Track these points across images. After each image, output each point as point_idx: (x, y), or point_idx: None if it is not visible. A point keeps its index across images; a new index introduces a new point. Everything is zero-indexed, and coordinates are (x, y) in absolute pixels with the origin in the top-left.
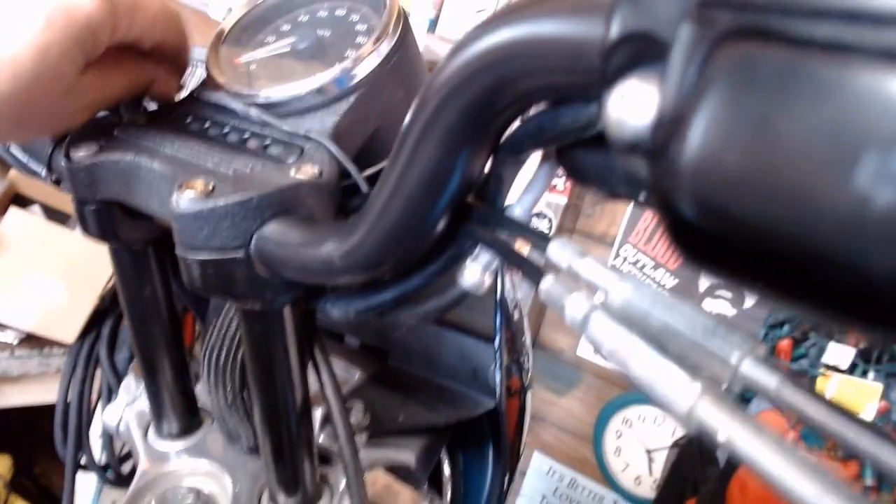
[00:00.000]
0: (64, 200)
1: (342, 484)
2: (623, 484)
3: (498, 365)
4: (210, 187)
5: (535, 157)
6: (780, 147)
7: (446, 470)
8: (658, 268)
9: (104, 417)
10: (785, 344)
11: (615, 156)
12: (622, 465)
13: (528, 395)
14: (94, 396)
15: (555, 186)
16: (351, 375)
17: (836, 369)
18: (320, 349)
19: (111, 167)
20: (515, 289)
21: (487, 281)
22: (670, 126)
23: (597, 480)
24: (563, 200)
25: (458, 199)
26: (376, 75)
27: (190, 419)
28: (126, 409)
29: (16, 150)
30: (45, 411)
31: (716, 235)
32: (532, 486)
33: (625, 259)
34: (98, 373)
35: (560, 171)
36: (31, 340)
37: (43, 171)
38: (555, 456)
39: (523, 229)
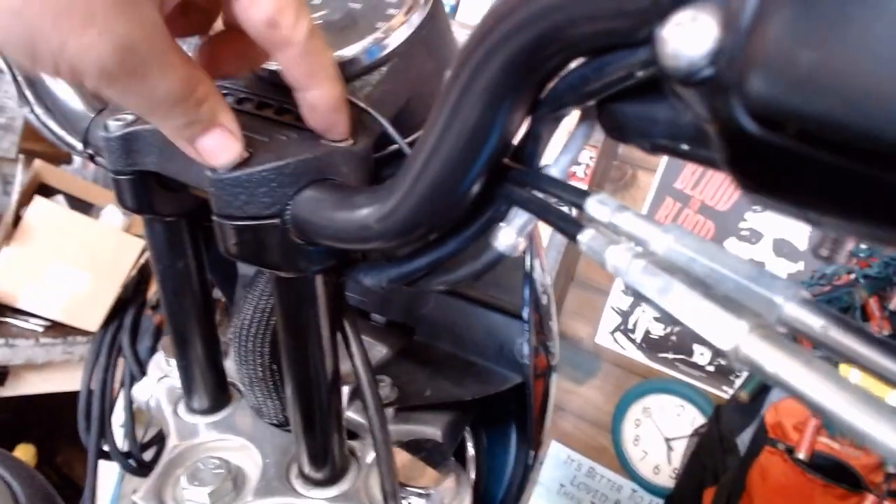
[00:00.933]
0: (88, 190)
1: (370, 457)
2: (641, 473)
3: (526, 337)
4: (247, 154)
5: (572, 119)
6: (855, 38)
7: (470, 448)
8: None
9: (134, 394)
10: None
11: (661, 103)
12: (641, 454)
13: (554, 379)
14: (117, 385)
15: (574, 173)
16: (377, 352)
17: None
18: (350, 321)
19: (147, 137)
20: (545, 273)
21: (522, 244)
22: (736, 39)
23: (615, 469)
24: (583, 188)
25: (496, 159)
26: (407, 46)
27: (219, 395)
28: (156, 385)
29: (52, 124)
30: (68, 401)
31: (783, 149)
32: (550, 475)
33: None
34: (121, 361)
35: (596, 131)
36: (56, 329)
37: (79, 145)
38: (573, 445)
39: (561, 186)
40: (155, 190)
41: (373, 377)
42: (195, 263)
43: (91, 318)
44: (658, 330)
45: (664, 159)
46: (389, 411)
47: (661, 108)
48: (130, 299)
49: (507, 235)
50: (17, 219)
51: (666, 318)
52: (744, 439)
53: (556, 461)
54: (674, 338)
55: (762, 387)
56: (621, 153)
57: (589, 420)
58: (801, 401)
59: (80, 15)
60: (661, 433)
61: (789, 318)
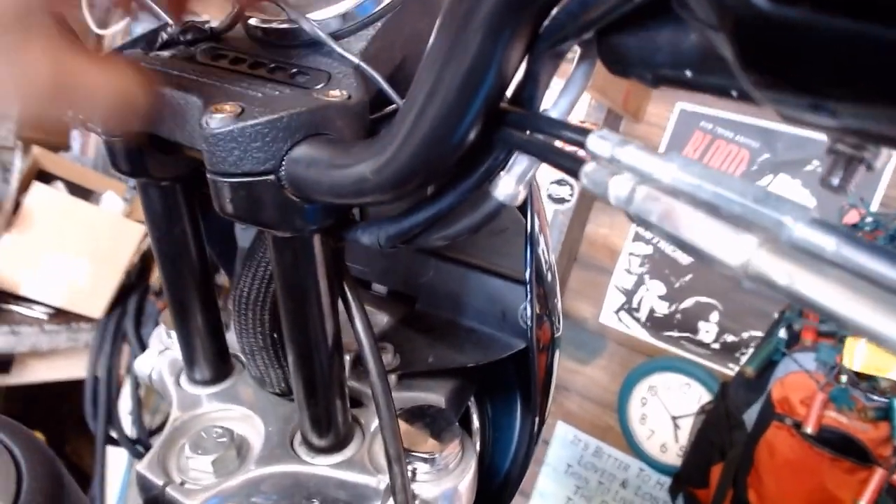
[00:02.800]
0: (87, 176)
1: (374, 425)
2: (648, 451)
3: (529, 299)
4: (239, 109)
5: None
6: None
7: (475, 419)
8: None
9: (136, 367)
10: None
11: (662, 28)
12: (647, 432)
13: (557, 355)
14: (123, 371)
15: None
16: (379, 320)
17: None
18: (350, 286)
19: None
20: (549, 251)
21: (522, 193)
22: None
23: (621, 448)
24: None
25: (494, 101)
26: (402, 2)
27: (221, 365)
28: (158, 357)
29: None
30: (75, 390)
31: (797, 25)
32: (557, 455)
33: None
34: (126, 348)
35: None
36: (60, 316)
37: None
38: (579, 425)
39: (561, 126)
40: (149, 152)
41: (375, 343)
42: (192, 230)
43: (94, 304)
44: (663, 308)
45: (667, 136)
46: (392, 378)
47: (662, 34)
48: (133, 285)
49: (507, 184)
50: (16, 206)
51: (673, 242)
52: (750, 415)
53: (563, 441)
54: (679, 316)
55: (768, 362)
56: (624, 132)
57: (594, 400)
58: (818, 311)
59: None
60: (668, 411)
61: (800, 239)
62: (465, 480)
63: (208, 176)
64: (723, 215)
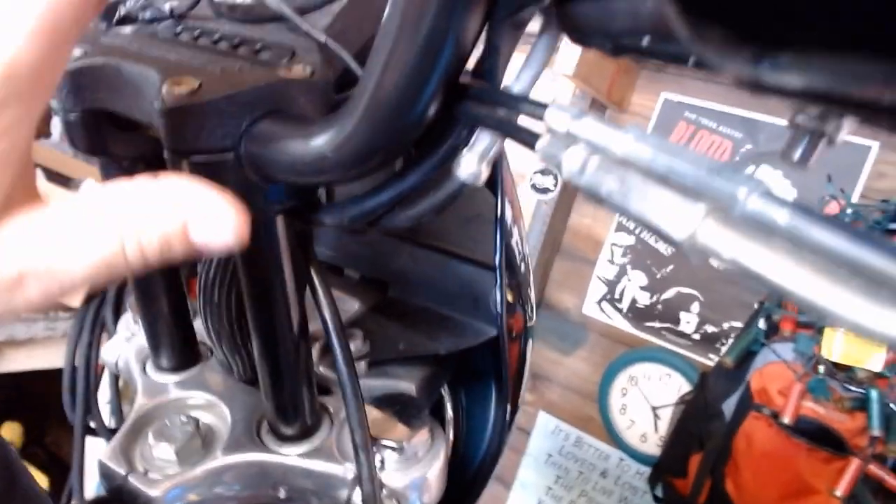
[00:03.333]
0: (66, 164)
1: (342, 413)
2: (629, 441)
3: (499, 286)
4: (197, 84)
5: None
6: None
7: (449, 408)
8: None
9: (103, 354)
10: None
11: None
12: (628, 422)
13: (530, 344)
14: (101, 361)
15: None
16: (350, 306)
17: None
18: (316, 270)
19: (96, 72)
20: (524, 241)
21: (485, 171)
22: None
23: (602, 439)
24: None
25: (453, 73)
26: None
27: (188, 353)
28: (125, 344)
29: None
30: (54, 379)
31: None
32: (538, 446)
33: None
34: (104, 337)
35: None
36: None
37: None
38: (560, 415)
39: (521, 100)
40: (108, 130)
41: (342, 328)
42: None
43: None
44: (644, 299)
45: (651, 126)
46: (362, 365)
47: (620, 1)
48: None
49: (470, 162)
50: None
51: (623, 214)
52: (729, 406)
53: (544, 431)
54: (660, 307)
55: (747, 352)
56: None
57: (576, 390)
58: (762, 284)
59: None
60: (648, 402)
61: (753, 212)
62: (434, 469)
63: (165, 154)
64: (675, 187)
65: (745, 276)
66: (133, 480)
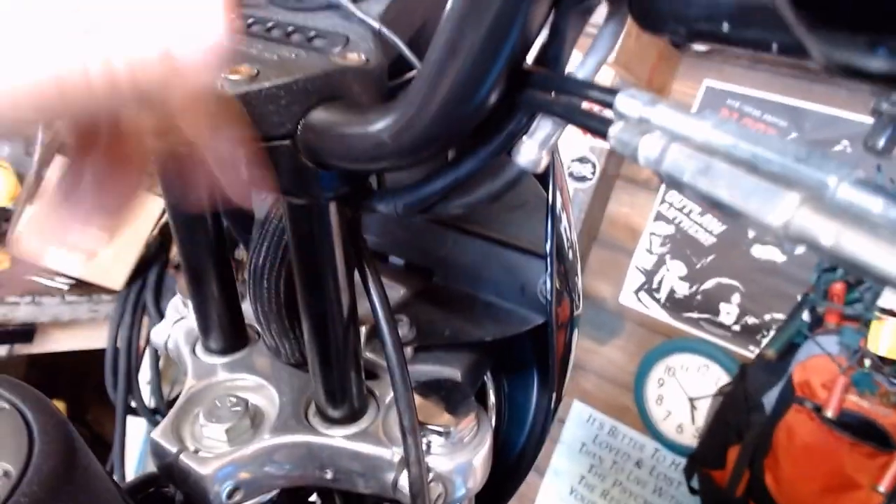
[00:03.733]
0: None
1: (388, 397)
2: (664, 432)
3: (549, 272)
4: (255, 71)
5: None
6: None
7: (491, 395)
8: (705, 213)
9: (152, 336)
10: (838, 288)
11: None
12: (664, 413)
13: (576, 334)
14: (143, 342)
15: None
16: (395, 293)
17: (891, 313)
18: (366, 256)
19: None
20: (571, 228)
21: (545, 158)
22: None
23: (637, 429)
24: (607, 144)
25: (518, 60)
26: None
27: (236, 335)
28: (174, 326)
29: None
30: (96, 360)
31: None
32: (572, 434)
33: (671, 204)
34: (146, 319)
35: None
36: (81, 287)
37: None
38: (595, 404)
39: (588, 87)
40: None
41: (391, 314)
42: (207, 197)
43: (115, 276)
44: (683, 289)
45: None
46: (408, 351)
47: None
48: (153, 258)
49: (530, 149)
50: (39, 179)
51: (708, 201)
52: (770, 398)
53: (578, 420)
54: (699, 297)
55: (790, 345)
56: None
57: (611, 380)
58: (867, 274)
59: None
60: (685, 392)
61: (844, 200)
62: (479, 455)
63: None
64: (763, 174)
65: (846, 265)
66: (184, 459)
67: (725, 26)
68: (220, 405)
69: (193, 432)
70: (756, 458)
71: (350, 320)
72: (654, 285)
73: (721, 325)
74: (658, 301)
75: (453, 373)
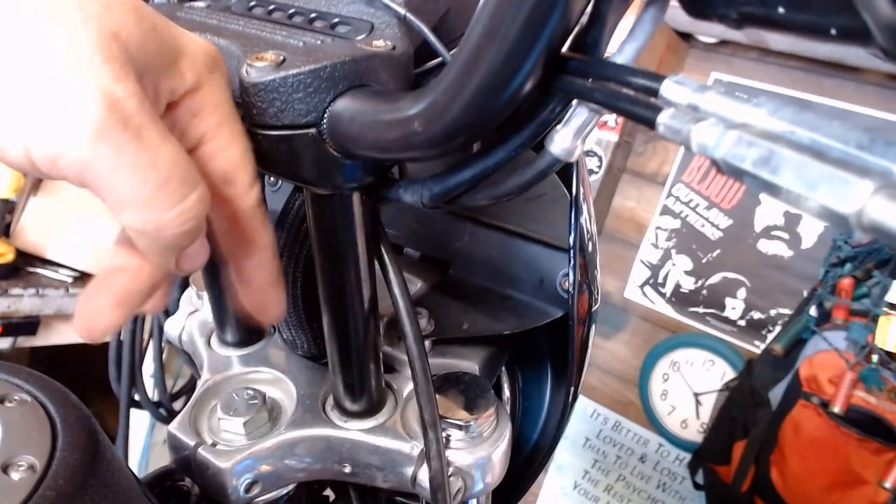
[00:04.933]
0: None
1: (406, 390)
2: (669, 427)
3: (572, 266)
4: (281, 58)
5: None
6: None
7: (506, 389)
8: (712, 207)
9: (166, 329)
10: (846, 283)
11: None
12: (668, 408)
13: (593, 329)
14: (146, 336)
15: (605, 122)
16: (412, 285)
17: None
18: (387, 248)
19: None
20: (592, 221)
21: (579, 148)
22: None
23: (641, 424)
24: (613, 138)
25: (557, 45)
26: None
27: (252, 328)
28: (188, 319)
29: None
30: (99, 353)
31: None
32: (575, 429)
33: (677, 199)
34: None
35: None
36: (85, 279)
37: None
38: (599, 399)
39: (630, 72)
40: None
41: (412, 306)
42: None
43: None
44: (689, 284)
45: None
46: (427, 343)
47: None
48: None
49: (564, 138)
50: None
51: (768, 189)
52: (776, 393)
53: (583, 415)
54: (705, 292)
55: (797, 340)
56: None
57: (616, 374)
58: None
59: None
60: (690, 388)
61: None
62: (499, 449)
63: (248, 129)
64: (826, 159)
65: None
66: (203, 452)
67: (781, 9)
68: (238, 398)
69: (211, 426)
70: (762, 454)
71: (370, 312)
72: (660, 280)
73: (727, 320)
74: (663, 296)
75: (471, 366)
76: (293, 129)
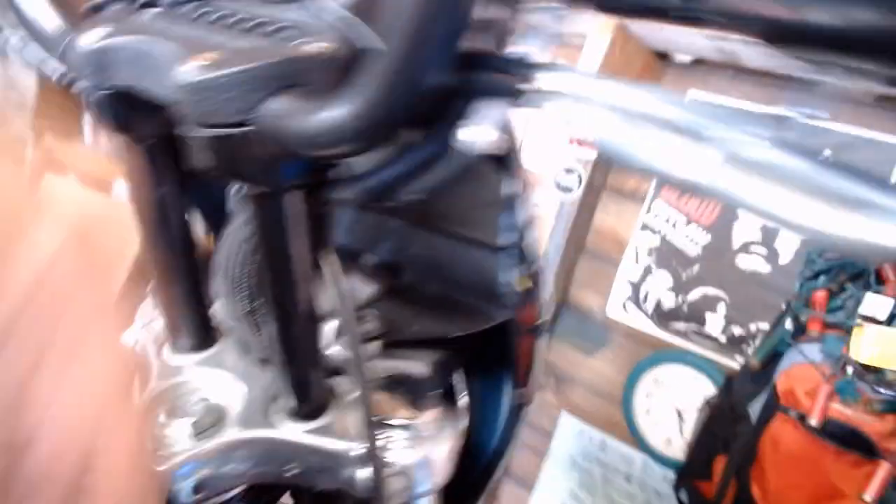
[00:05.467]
0: (98, 166)
1: (352, 394)
2: (653, 445)
3: (511, 263)
4: (215, 58)
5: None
6: None
7: (462, 397)
8: (691, 223)
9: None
10: (820, 296)
11: None
12: (652, 425)
13: (542, 342)
14: None
15: (583, 140)
16: (365, 290)
17: (873, 320)
18: (330, 252)
19: (121, 50)
20: (533, 227)
21: (498, 138)
22: None
23: (627, 442)
24: (593, 155)
25: (458, 41)
26: None
27: (205, 333)
28: (142, 330)
29: (34, 51)
30: None
31: None
32: (561, 448)
33: (656, 215)
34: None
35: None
36: None
37: (56, 73)
38: (584, 417)
39: (521, 65)
40: (132, 109)
41: (352, 307)
42: (176, 191)
43: None
44: (669, 301)
45: None
46: (375, 346)
47: None
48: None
49: (478, 130)
50: None
51: (639, 166)
52: (755, 408)
53: (569, 434)
54: (685, 308)
55: (774, 354)
56: None
57: (600, 392)
58: (784, 226)
59: None
60: (673, 404)
61: (763, 159)
62: (442, 449)
63: (183, 129)
64: (686, 134)
65: (768, 218)
66: None
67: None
68: (183, 402)
69: (155, 432)
70: (742, 469)
71: (311, 313)
72: (641, 296)
73: (708, 336)
74: (645, 312)
75: (420, 368)
76: (228, 127)
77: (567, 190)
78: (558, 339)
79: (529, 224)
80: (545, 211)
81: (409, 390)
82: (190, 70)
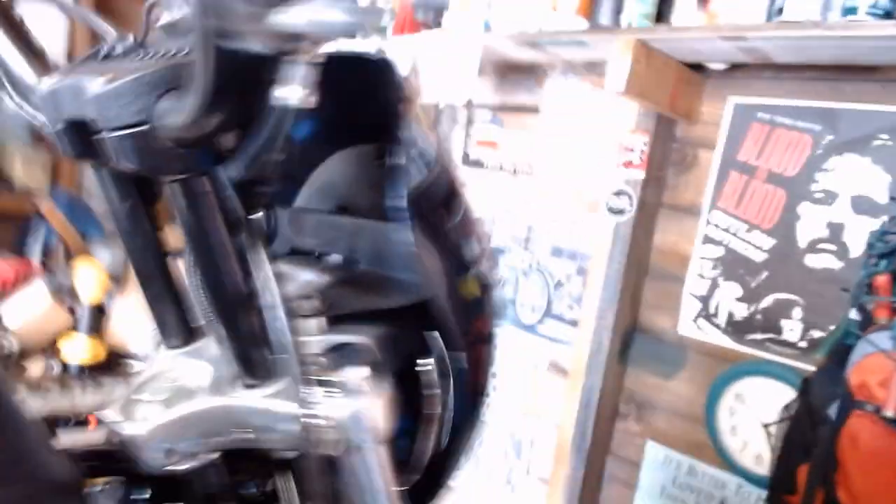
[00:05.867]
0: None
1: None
2: (743, 464)
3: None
4: (113, 74)
5: None
6: None
7: (433, 388)
8: (752, 230)
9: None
10: (883, 280)
11: None
12: (740, 444)
13: (495, 347)
14: None
15: (630, 161)
16: (315, 278)
17: None
18: (251, 232)
19: (67, 88)
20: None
21: (308, 94)
22: None
23: (715, 464)
24: (640, 175)
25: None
26: None
27: (187, 331)
28: (150, 332)
29: (20, 101)
30: None
31: None
32: (649, 478)
33: (716, 226)
34: None
35: None
36: None
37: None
38: (669, 443)
39: None
40: (85, 136)
41: (274, 282)
42: (139, 202)
43: None
44: (742, 311)
45: (723, 133)
46: (320, 321)
47: None
48: None
49: (292, 90)
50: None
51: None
52: (834, 409)
53: (654, 462)
54: (759, 317)
55: (844, 348)
56: (680, 136)
57: (682, 415)
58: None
59: None
60: (758, 419)
61: None
62: (374, 404)
63: (102, 136)
64: None
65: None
66: (124, 427)
67: None
68: (161, 386)
69: (137, 409)
70: (827, 476)
71: (238, 288)
72: (712, 310)
73: (787, 343)
74: (718, 326)
75: (364, 340)
76: (130, 127)
77: (619, 212)
78: (634, 365)
79: (483, 239)
80: (600, 237)
81: (344, 353)
82: (96, 85)
